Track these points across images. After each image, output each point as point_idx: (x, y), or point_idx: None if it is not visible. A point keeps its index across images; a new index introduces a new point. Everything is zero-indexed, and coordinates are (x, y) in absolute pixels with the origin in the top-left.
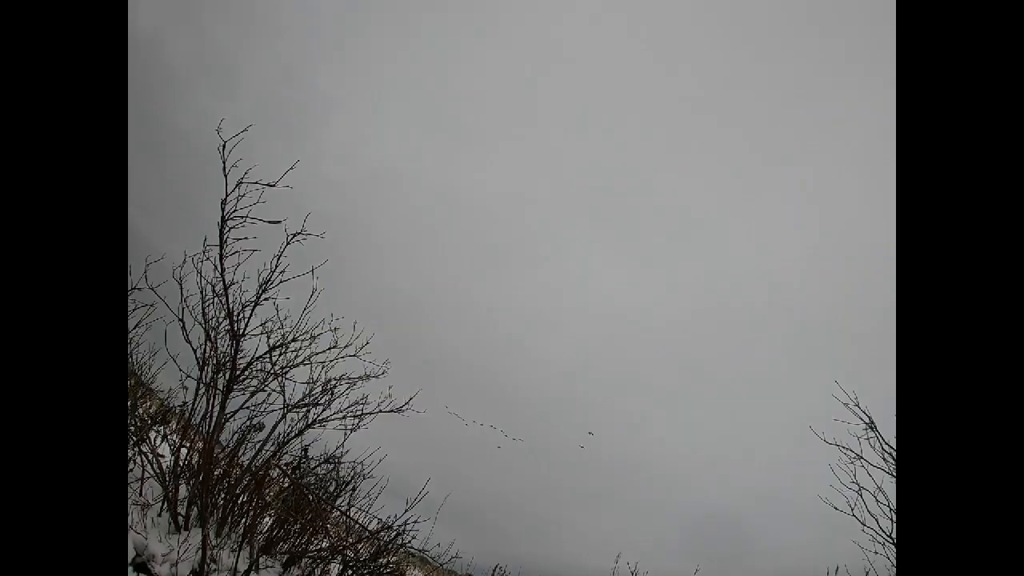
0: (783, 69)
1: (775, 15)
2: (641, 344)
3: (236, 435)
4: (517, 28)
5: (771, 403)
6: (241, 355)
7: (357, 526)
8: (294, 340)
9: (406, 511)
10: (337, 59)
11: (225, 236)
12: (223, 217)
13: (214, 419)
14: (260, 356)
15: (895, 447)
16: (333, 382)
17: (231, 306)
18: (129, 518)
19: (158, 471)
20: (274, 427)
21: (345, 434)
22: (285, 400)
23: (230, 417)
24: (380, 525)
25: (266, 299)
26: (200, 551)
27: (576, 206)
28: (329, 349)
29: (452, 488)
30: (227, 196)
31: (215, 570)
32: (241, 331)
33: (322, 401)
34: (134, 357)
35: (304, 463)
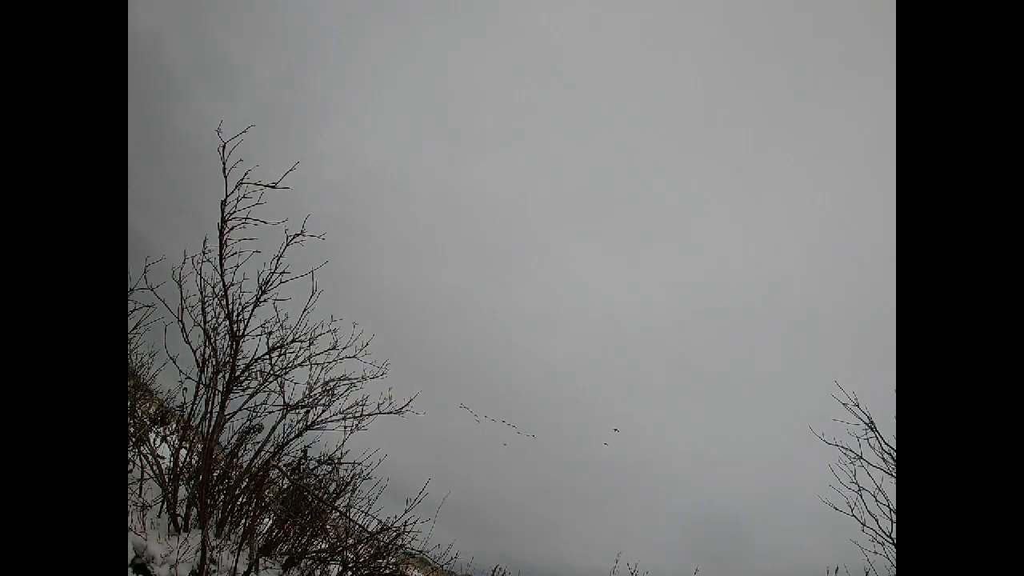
0: (783, 70)
1: (774, 15)
2: (641, 344)
3: (236, 436)
4: (516, 30)
5: (771, 403)
6: (241, 356)
7: (357, 527)
8: (294, 341)
9: (406, 512)
10: (336, 61)
11: (225, 237)
12: (223, 218)
13: (213, 420)
14: (260, 357)
15: (895, 447)
16: (333, 383)
17: (231, 307)
18: (129, 519)
19: (157, 472)
20: (274, 428)
21: (345, 435)
22: (285, 401)
23: (230, 418)
24: (380, 526)
25: (266, 300)
26: (200, 552)
27: (575, 206)
28: (329, 350)
29: (451, 489)
30: (227, 197)
31: (215, 571)
32: (241, 332)
33: (322, 402)
34: (134, 358)
35: (304, 464)
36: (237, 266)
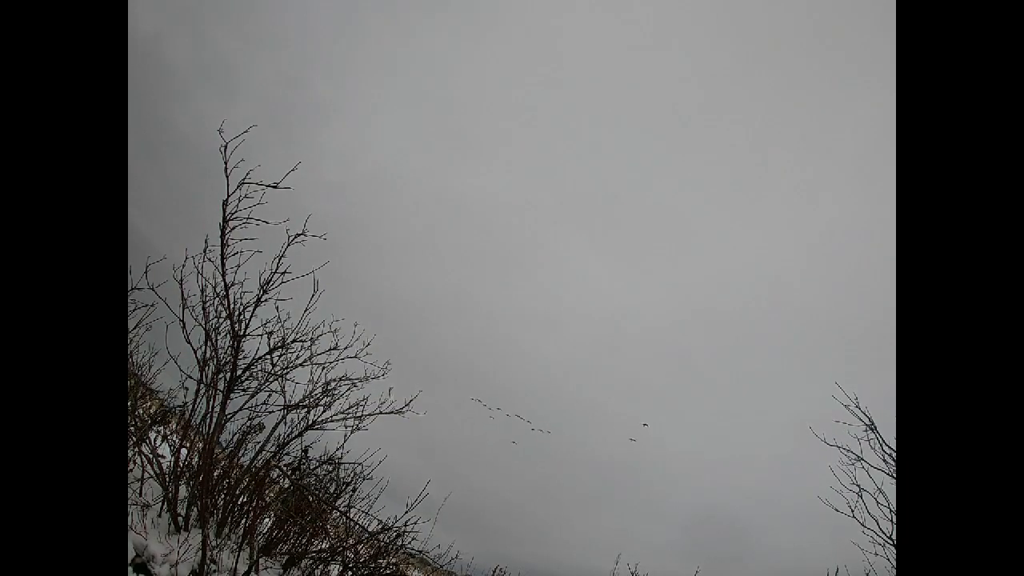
0: (783, 70)
1: (774, 17)
2: (641, 345)
3: (236, 436)
4: (518, 32)
5: (771, 404)
6: (241, 356)
7: (357, 527)
8: (295, 341)
9: (406, 512)
10: (337, 63)
11: (226, 237)
12: (224, 218)
13: (214, 420)
14: (260, 357)
15: (895, 448)
16: (333, 383)
17: (232, 307)
18: (129, 519)
19: (158, 471)
20: (274, 428)
21: (345, 435)
22: (285, 401)
23: (230, 418)
24: (380, 526)
25: (267, 300)
26: (200, 552)
27: (576, 208)
28: (329, 350)
29: (452, 489)
30: (228, 197)
31: (215, 571)
32: (242, 332)
33: (322, 402)
34: (134, 357)
35: (304, 464)
36: (238, 266)
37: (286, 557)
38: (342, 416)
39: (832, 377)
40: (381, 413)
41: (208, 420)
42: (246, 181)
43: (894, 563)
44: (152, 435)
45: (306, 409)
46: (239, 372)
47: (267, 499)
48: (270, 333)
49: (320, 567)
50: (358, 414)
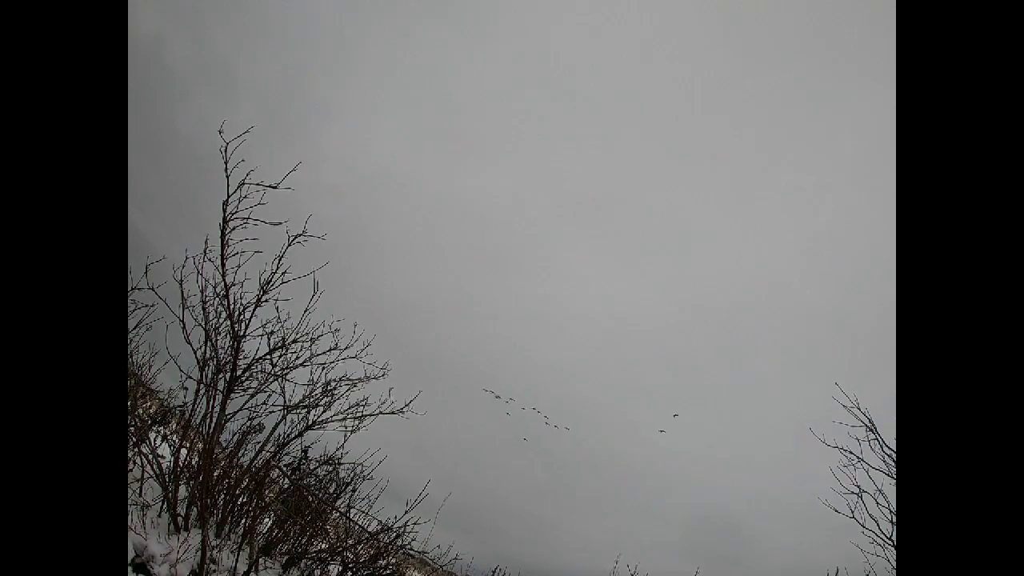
0: (783, 71)
1: (773, 17)
2: (640, 346)
3: (236, 436)
4: (518, 35)
5: (771, 405)
6: (241, 356)
7: (357, 527)
8: (295, 341)
9: (406, 513)
10: (337, 65)
11: (226, 237)
12: (224, 218)
13: (214, 420)
14: (260, 357)
15: (895, 449)
16: (333, 383)
17: (232, 307)
18: (128, 519)
19: (158, 471)
20: (274, 428)
21: (345, 435)
22: (285, 401)
23: (230, 418)
24: (380, 527)
25: (267, 300)
26: (200, 552)
27: (575, 210)
28: (329, 351)
29: (451, 490)
30: (228, 197)
31: (215, 571)
32: (242, 332)
33: (322, 402)
34: (134, 357)
35: (304, 464)
36: (238, 266)
37: (286, 557)
38: (342, 416)
39: (832, 378)
40: (381, 413)
41: (208, 420)
42: (246, 182)
43: (894, 563)
44: (152, 435)
45: (306, 409)
46: (239, 372)
47: (267, 499)
48: (270, 333)
49: (320, 567)
50: (358, 414)
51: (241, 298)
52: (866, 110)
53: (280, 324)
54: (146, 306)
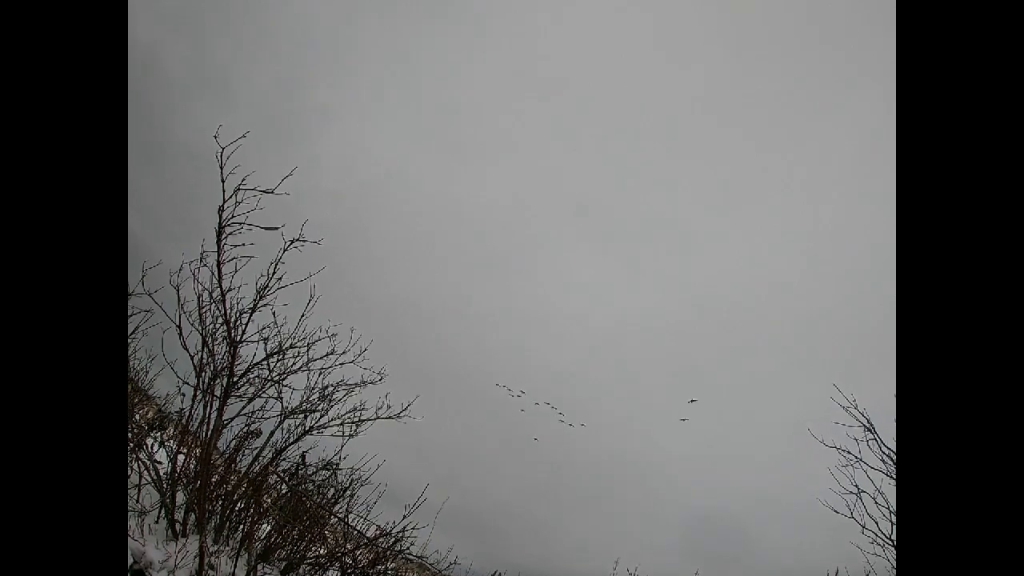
0: (782, 70)
1: (772, 18)
2: (639, 347)
3: (234, 441)
4: (515, 37)
5: (770, 405)
6: (238, 361)
7: (355, 532)
8: (292, 347)
9: (404, 517)
10: (334, 70)
11: (223, 243)
12: (220, 224)
13: (211, 425)
14: (257, 362)
15: (895, 450)
16: (331, 388)
17: (228, 312)
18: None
19: (155, 477)
20: (272, 433)
21: (343, 440)
22: (283, 406)
23: (227, 423)
24: (378, 531)
25: (263, 306)
26: (198, 558)
27: (573, 210)
28: (327, 356)
29: (450, 494)
30: (224, 203)
31: None
32: (238, 337)
33: (320, 407)
34: (131, 363)
35: (302, 469)
36: (235, 272)
37: (284, 563)
38: (339, 421)
39: (831, 379)
40: (379, 418)
41: (205, 426)
42: (242, 187)
43: (894, 563)
44: (149, 441)
45: (303, 414)
46: (236, 378)
47: (265, 505)
48: (267, 339)
49: (318, 572)
50: (355, 419)
51: (238, 303)
52: (866, 110)
53: (277, 329)
54: (143, 311)
